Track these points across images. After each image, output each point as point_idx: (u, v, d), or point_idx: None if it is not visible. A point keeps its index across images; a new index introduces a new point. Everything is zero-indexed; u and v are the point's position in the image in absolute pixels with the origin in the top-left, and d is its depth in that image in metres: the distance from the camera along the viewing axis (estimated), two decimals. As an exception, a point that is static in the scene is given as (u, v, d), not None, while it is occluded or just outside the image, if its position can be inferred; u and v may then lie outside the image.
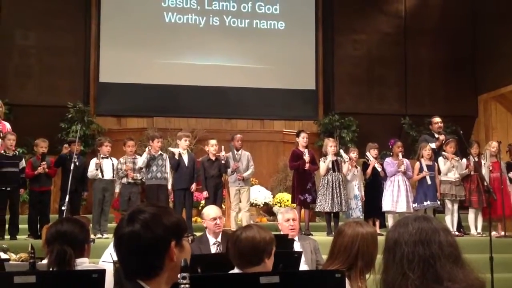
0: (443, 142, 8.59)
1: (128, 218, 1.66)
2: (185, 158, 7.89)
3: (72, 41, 10.98)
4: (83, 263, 2.64)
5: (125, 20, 11.37)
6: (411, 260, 1.61)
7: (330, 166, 7.87)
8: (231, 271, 2.58)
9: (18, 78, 10.76)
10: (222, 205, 8.03)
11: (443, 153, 8.27)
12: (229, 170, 8.01)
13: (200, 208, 8.54)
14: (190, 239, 1.80)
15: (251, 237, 2.61)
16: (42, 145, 7.58)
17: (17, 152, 7.38)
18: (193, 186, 7.85)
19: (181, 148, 7.91)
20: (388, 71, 12.20)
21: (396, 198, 7.90)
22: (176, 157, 7.82)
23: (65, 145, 7.83)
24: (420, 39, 12.22)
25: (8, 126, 7.41)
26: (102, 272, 2.17)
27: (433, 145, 8.51)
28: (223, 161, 7.94)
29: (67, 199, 6.61)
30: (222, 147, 8.11)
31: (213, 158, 7.96)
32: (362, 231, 2.69)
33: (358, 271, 2.61)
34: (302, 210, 8.08)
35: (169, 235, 1.64)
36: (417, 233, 1.65)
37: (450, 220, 8.03)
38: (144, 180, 7.89)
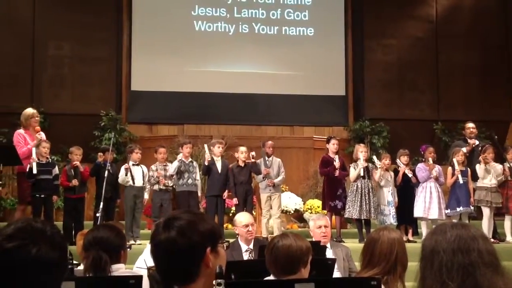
0: (474, 146, 8.46)
1: (164, 225, 1.68)
2: (218, 165, 7.93)
3: (105, 51, 11.17)
4: (120, 269, 2.67)
5: (156, 29, 11.52)
6: (450, 269, 1.58)
7: (362, 173, 7.82)
8: (266, 278, 2.58)
9: (52, 88, 11.00)
10: (253, 212, 8.03)
11: (481, 158, 8.05)
12: (260, 176, 8.02)
13: (231, 214, 8.56)
14: (225, 246, 1.81)
15: (287, 246, 2.61)
16: (76, 153, 7.72)
17: (50, 159, 7.53)
18: (225, 193, 7.89)
19: (215, 155, 7.97)
20: (420, 76, 12.06)
21: (428, 205, 7.79)
22: (206, 162, 7.85)
23: (99, 153, 7.95)
24: (452, 43, 12.05)
25: (42, 135, 7.58)
26: (139, 279, 2.19)
27: (464, 150, 8.38)
28: (252, 160, 7.91)
29: (101, 206, 6.71)
30: (253, 153, 8.11)
31: (242, 165, 7.98)
32: (396, 236, 2.74)
33: (397, 275, 2.61)
34: (333, 216, 8.03)
35: (205, 241, 1.65)
36: (455, 241, 1.62)
37: (486, 227, 7.85)
38: (175, 187, 7.96)
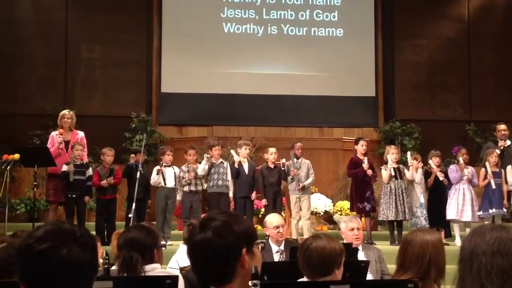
0: (503, 148, 8.33)
1: (200, 226, 1.69)
2: (245, 166, 7.96)
3: (135, 54, 11.32)
4: (155, 269, 2.68)
5: (186, 32, 11.61)
6: (489, 271, 1.56)
7: (393, 173, 7.74)
8: (300, 280, 2.57)
9: (84, 90, 11.20)
10: (282, 213, 8.02)
11: None
12: (289, 178, 8.01)
13: (260, 216, 8.56)
14: (260, 247, 1.81)
15: (321, 247, 2.59)
16: (108, 154, 7.83)
17: (84, 161, 7.65)
18: (253, 195, 7.90)
19: (242, 157, 7.99)
20: (451, 77, 11.89)
21: (461, 207, 7.68)
22: (236, 165, 7.90)
23: (131, 155, 8.06)
24: (484, 43, 11.85)
25: (81, 134, 7.81)
26: (175, 279, 2.21)
27: (497, 151, 8.25)
28: (283, 168, 7.95)
29: (133, 207, 6.80)
30: (282, 155, 8.12)
31: (272, 166, 7.99)
32: (430, 238, 2.61)
33: (431, 280, 2.53)
34: (363, 218, 7.96)
35: (240, 242, 1.65)
36: (495, 243, 1.59)
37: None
38: (205, 188, 8.00)
